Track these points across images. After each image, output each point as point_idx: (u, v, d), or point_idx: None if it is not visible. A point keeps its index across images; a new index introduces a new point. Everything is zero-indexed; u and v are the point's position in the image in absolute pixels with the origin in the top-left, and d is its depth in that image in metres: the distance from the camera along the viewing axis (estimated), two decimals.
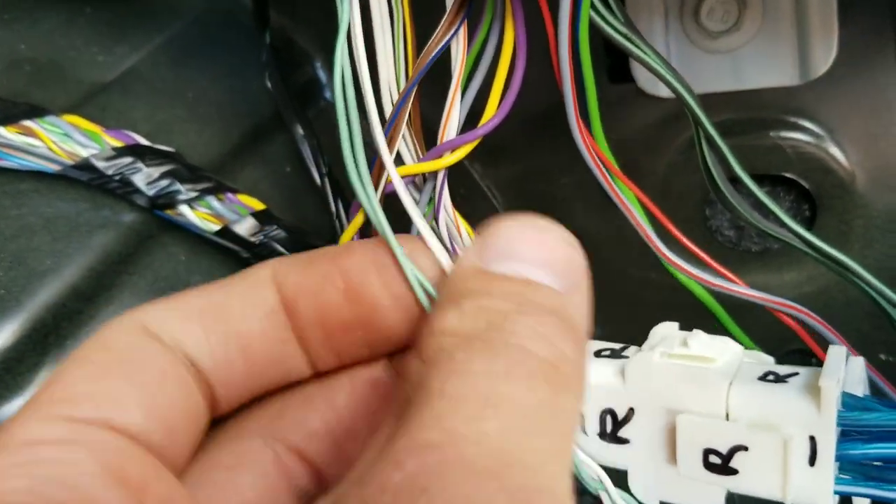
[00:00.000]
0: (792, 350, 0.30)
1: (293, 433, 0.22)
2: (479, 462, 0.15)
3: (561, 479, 0.17)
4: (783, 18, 0.29)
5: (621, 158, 0.33)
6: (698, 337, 0.24)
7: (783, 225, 0.26)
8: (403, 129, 0.25)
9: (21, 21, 0.35)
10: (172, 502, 0.18)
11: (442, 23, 0.24)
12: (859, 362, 0.24)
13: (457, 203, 0.25)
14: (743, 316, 0.28)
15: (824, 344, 0.27)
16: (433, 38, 0.24)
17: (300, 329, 0.22)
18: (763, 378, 0.23)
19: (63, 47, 0.35)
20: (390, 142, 0.24)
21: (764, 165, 0.31)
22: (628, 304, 0.36)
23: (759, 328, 0.28)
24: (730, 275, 0.26)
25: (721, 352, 0.24)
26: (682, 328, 0.27)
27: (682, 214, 0.33)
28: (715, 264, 0.25)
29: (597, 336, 0.37)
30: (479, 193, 0.36)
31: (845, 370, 0.23)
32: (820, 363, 0.24)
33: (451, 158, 0.24)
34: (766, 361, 0.25)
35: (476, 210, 0.37)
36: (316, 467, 0.21)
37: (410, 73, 0.25)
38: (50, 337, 0.28)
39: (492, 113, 0.24)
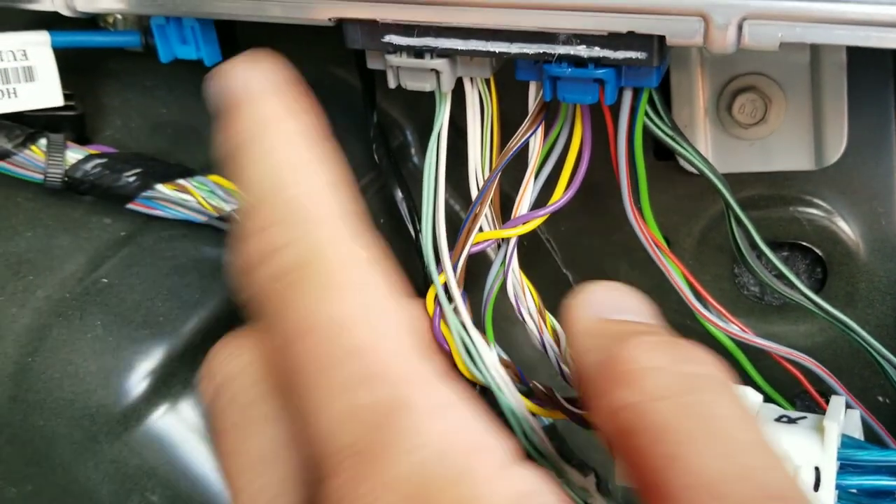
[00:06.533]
0: (801, 391, 0.35)
1: None
2: None
3: None
4: (802, 115, 0.35)
5: (664, 221, 0.39)
6: None
7: (796, 288, 0.32)
8: (487, 206, 0.31)
9: (159, 87, 0.42)
10: None
11: (524, 123, 0.30)
12: (856, 413, 0.30)
13: (520, 253, 0.31)
14: (761, 361, 0.33)
15: (821, 387, 0.33)
16: (516, 135, 0.30)
17: None
18: (778, 420, 0.28)
19: (198, 112, 0.41)
20: (475, 216, 0.30)
21: (784, 234, 0.37)
22: None
23: (776, 372, 0.34)
24: (747, 329, 0.32)
25: (742, 397, 0.29)
26: None
27: (713, 272, 0.39)
28: (736, 321, 0.31)
29: None
30: (540, 246, 0.42)
31: (844, 418, 0.28)
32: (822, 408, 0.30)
33: (521, 229, 0.31)
34: (779, 411, 0.30)
35: (537, 260, 0.43)
36: None
37: (495, 161, 0.31)
38: (198, 357, 0.34)
39: (559, 195, 0.30)
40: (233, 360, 0.25)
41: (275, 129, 0.24)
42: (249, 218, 0.22)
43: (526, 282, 0.31)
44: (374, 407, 0.19)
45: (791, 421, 0.28)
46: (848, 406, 0.30)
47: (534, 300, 0.31)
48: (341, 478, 0.19)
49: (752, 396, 0.29)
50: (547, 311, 0.32)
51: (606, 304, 0.25)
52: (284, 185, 0.22)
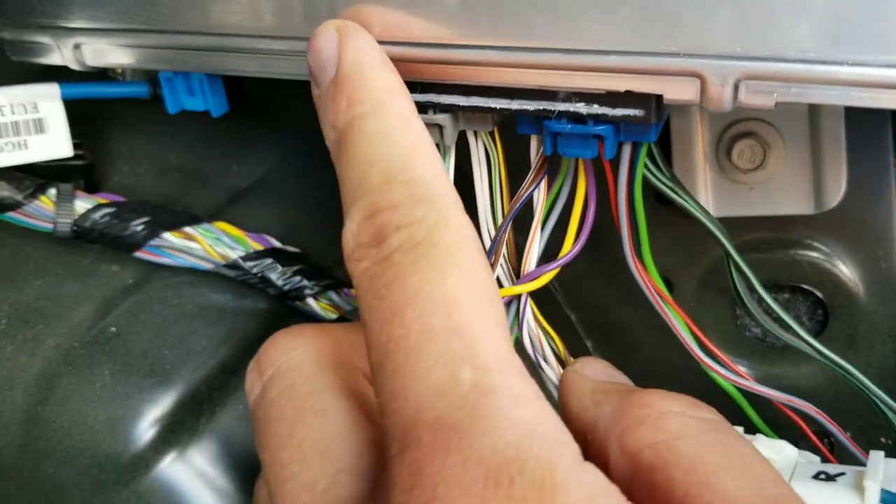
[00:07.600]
0: (804, 434, 0.35)
1: None
2: None
3: None
4: (802, 160, 0.35)
5: (666, 264, 0.39)
6: (759, 441, 0.29)
7: (796, 333, 0.33)
8: (503, 252, 0.32)
9: (166, 133, 0.42)
10: None
11: (528, 177, 0.30)
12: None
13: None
14: (765, 404, 0.34)
15: (823, 428, 0.33)
16: (520, 188, 0.30)
17: None
18: (816, 477, 0.27)
19: (204, 157, 0.42)
20: (492, 266, 0.31)
21: (785, 277, 0.37)
22: (670, 387, 0.42)
23: (779, 414, 0.34)
24: (748, 376, 0.32)
25: (778, 452, 0.29)
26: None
27: (715, 314, 0.39)
28: (737, 367, 0.32)
29: None
30: (543, 288, 0.42)
31: (884, 469, 0.27)
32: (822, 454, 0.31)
33: (533, 285, 0.31)
34: (814, 461, 0.30)
35: (540, 302, 0.43)
36: None
37: (505, 210, 0.31)
38: (204, 404, 0.34)
39: (569, 247, 0.31)
40: (287, 353, 0.26)
41: (392, 107, 0.25)
42: (369, 195, 0.23)
43: (544, 327, 0.32)
44: (466, 386, 0.19)
45: (829, 478, 0.28)
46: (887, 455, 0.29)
47: (558, 347, 0.32)
48: (419, 452, 0.19)
49: (788, 450, 0.29)
50: (571, 357, 0.32)
51: (603, 372, 0.27)
52: (409, 167, 0.23)
